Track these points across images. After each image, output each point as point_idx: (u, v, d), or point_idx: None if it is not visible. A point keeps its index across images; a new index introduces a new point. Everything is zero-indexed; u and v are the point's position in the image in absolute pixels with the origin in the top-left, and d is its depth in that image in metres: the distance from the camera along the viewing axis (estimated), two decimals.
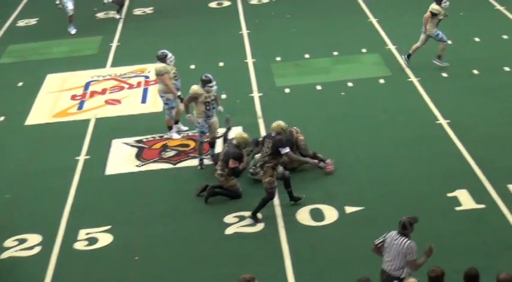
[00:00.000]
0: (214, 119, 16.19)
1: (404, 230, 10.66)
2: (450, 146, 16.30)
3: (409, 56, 20.25)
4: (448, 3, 19.73)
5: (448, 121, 17.31)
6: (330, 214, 14.19)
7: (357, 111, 18.30)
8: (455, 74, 19.74)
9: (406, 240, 10.65)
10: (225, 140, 15.24)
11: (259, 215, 14.12)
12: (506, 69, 19.78)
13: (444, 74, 19.76)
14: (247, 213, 14.24)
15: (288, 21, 24.78)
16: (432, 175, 15.27)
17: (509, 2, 24.37)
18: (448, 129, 16.97)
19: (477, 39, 21.87)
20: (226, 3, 27.10)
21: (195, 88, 15.97)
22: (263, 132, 17.02)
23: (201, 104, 15.91)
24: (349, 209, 14.27)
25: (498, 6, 24.25)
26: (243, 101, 19.24)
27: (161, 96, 17.50)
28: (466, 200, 14.22)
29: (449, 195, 14.42)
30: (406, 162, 15.86)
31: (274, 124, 14.33)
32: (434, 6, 19.65)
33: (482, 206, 14.05)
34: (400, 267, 10.71)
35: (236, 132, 15.47)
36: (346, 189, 15.01)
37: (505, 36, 21.81)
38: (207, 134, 16.13)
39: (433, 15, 19.53)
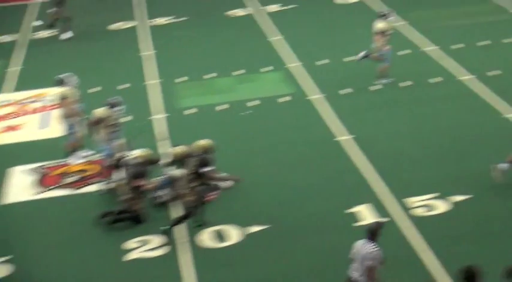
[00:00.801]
0: (120, 142, 15.95)
1: (372, 235, 10.74)
2: (351, 162, 16.42)
3: (365, 56, 20.10)
4: (393, 17, 19.91)
5: (351, 136, 17.47)
6: (233, 234, 14.10)
7: (260, 130, 18.31)
8: (359, 89, 19.99)
9: (373, 246, 10.71)
10: (124, 162, 14.99)
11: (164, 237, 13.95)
12: (402, 84, 20.07)
13: (349, 90, 19.97)
14: (151, 238, 14.03)
15: (194, 41, 24.76)
16: (334, 191, 15.36)
17: (411, 17, 24.80)
18: (350, 145, 17.11)
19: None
20: (130, 25, 26.86)
21: (100, 111, 15.74)
22: (165, 154, 16.81)
23: (106, 127, 15.69)
24: (252, 229, 14.20)
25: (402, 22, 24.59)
26: (146, 123, 19.01)
27: (64, 121, 17.14)
28: (367, 215, 14.31)
29: (350, 210, 14.50)
30: (307, 180, 15.90)
31: (197, 143, 14.34)
32: (380, 25, 19.63)
33: (385, 219, 14.15)
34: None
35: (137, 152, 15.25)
36: (249, 209, 14.94)
37: (405, 51, 22.19)
38: (112, 157, 15.87)
39: (382, 33, 19.59)
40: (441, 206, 14.47)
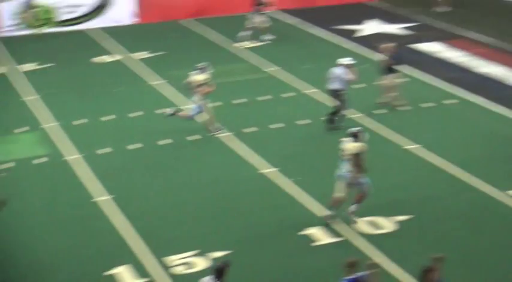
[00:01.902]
0: None
1: (219, 274, 11.41)
2: (110, 223, 16.07)
3: (173, 114, 20.26)
4: (209, 70, 20.08)
5: (110, 197, 17.12)
6: None
7: (15, 193, 17.44)
8: (118, 148, 19.75)
9: None
10: None
11: None
12: (161, 142, 20.07)
13: (107, 149, 19.67)
14: None
15: None
16: (92, 253, 14.89)
17: (171, 76, 25.01)
18: (108, 205, 16.75)
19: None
20: None
21: None
22: None
23: None
24: None
25: (161, 80, 24.76)
26: None
27: None
28: (126, 276, 13.97)
29: (109, 272, 14.09)
30: (65, 242, 15.36)
31: None
32: (198, 77, 19.84)
33: (145, 279, 13.90)
34: None
35: None
36: None
37: (163, 109, 22.24)
38: None
39: (201, 85, 19.72)
40: (201, 263, 14.41)
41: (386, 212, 15.90)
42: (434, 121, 21.07)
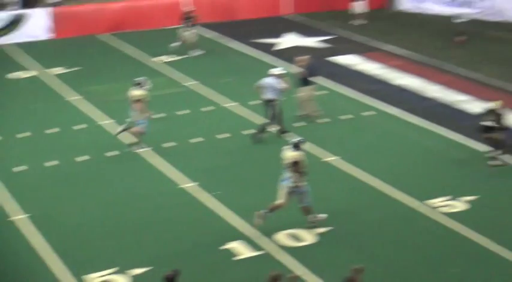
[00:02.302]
0: None
1: None
2: (27, 242, 15.67)
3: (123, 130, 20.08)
4: (148, 85, 19.95)
5: (26, 215, 16.72)
6: None
7: None
8: (35, 165, 19.34)
9: None
10: None
11: None
12: (79, 159, 19.79)
13: (23, 167, 19.26)
14: None
15: None
16: (8, 275, 14.48)
17: (86, 92, 24.67)
18: (25, 224, 16.34)
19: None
20: None
21: None
22: None
23: None
24: None
25: (77, 96, 24.33)
26: None
27: None
28: None
29: None
30: None
31: None
32: (138, 93, 19.59)
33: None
34: None
35: None
36: None
37: (81, 125, 21.89)
38: None
39: (139, 100, 19.55)
40: (120, 281, 14.17)
41: (305, 225, 15.93)
42: (352, 133, 21.29)
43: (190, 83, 25.65)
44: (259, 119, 21.31)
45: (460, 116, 22.43)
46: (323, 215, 15.91)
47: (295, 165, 15.36)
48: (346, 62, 28.02)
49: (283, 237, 15.51)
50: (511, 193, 17.50)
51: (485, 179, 18.22)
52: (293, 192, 15.54)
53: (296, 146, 15.54)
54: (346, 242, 15.46)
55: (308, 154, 19.56)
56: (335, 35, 31.92)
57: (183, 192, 17.86)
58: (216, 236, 15.71)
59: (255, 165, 19.29)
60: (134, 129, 20.08)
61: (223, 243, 15.33)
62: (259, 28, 32.76)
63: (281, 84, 20.37)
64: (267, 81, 20.43)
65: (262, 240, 15.40)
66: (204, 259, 14.93)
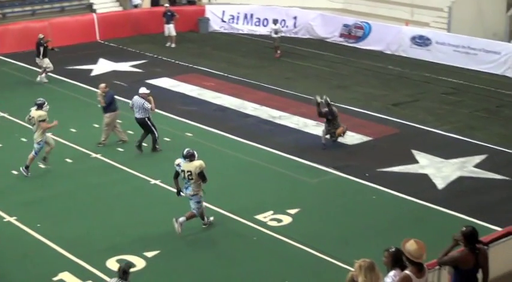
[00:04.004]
0: None
1: (124, 274, 11.52)
2: None
3: (27, 167, 19.69)
4: (48, 106, 19.83)
5: None
6: None
7: None
8: None
9: None
10: None
11: None
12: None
13: None
14: None
15: None
16: None
17: None
18: None
19: None
20: None
21: None
22: None
23: None
24: None
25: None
26: None
27: None
28: None
29: None
30: None
31: None
32: (40, 113, 19.46)
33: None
34: None
35: None
36: None
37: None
38: None
39: (43, 121, 19.39)
40: None
41: (135, 250, 15.69)
42: (174, 154, 21.16)
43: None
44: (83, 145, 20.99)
45: (278, 131, 22.97)
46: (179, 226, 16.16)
47: (195, 176, 15.89)
48: (161, 85, 28.04)
49: (112, 263, 15.13)
50: (331, 204, 18.08)
51: (307, 191, 18.73)
52: (191, 199, 16.20)
53: (192, 156, 15.93)
54: (174, 263, 15.32)
55: (136, 177, 19.50)
56: (149, 58, 31.91)
57: (10, 225, 17.03)
58: (46, 267, 15.04)
59: (69, 194, 18.80)
60: (30, 156, 19.83)
61: (56, 273, 14.67)
62: (75, 55, 32.38)
63: (148, 104, 21.17)
64: (136, 101, 21.23)
65: (88, 269, 14.99)
66: None
